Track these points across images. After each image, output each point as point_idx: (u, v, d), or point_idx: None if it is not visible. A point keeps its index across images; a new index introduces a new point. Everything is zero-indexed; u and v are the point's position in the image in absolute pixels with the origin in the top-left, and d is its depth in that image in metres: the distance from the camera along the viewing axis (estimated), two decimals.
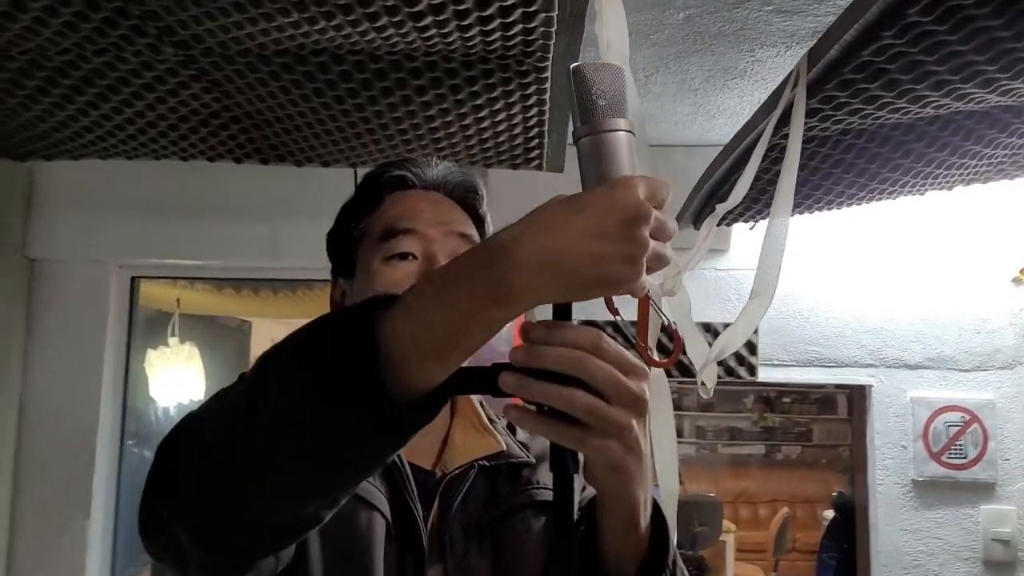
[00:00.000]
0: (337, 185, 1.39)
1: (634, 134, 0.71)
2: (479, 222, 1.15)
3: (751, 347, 2.54)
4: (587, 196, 0.65)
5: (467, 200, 1.14)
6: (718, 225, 2.06)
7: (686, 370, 2.44)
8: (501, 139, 1.84)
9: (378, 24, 1.25)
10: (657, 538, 0.83)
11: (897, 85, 1.13)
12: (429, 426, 1.13)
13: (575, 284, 0.63)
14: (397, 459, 1.05)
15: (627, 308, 0.75)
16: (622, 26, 1.09)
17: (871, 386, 2.58)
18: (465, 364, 0.82)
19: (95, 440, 2.60)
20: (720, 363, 2.53)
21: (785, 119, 1.28)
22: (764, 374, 2.55)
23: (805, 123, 1.33)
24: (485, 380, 0.79)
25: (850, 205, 1.89)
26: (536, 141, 1.87)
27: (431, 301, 0.66)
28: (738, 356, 2.54)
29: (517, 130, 1.80)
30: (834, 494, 4.80)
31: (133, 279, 2.77)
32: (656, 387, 1.02)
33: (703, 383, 1.09)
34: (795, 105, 1.12)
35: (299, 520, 0.74)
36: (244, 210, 2.59)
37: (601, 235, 0.62)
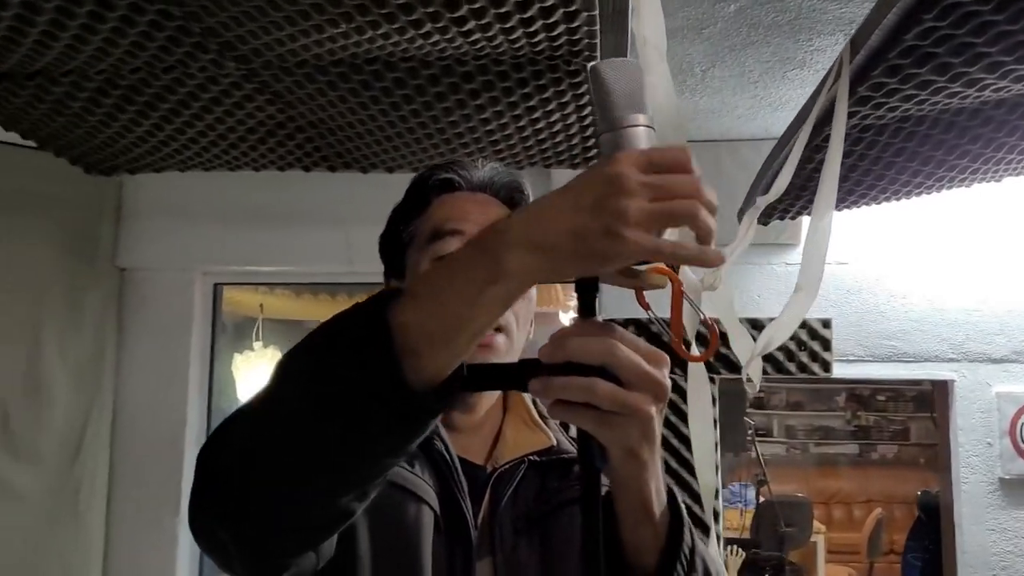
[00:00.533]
0: (403, 190, 1.43)
1: (654, 129, 0.72)
2: None
3: (825, 343, 2.48)
4: (575, 176, 0.66)
5: (513, 200, 1.16)
6: (781, 219, 2.03)
7: (733, 366, 2.40)
8: (558, 139, 1.86)
9: (423, 30, 1.28)
10: (674, 529, 0.84)
11: (949, 68, 1.10)
12: (482, 422, 1.17)
13: (562, 258, 0.65)
14: (446, 453, 1.07)
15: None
16: (659, 22, 1.09)
17: (953, 381, 2.50)
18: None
19: (183, 441, 2.72)
20: (792, 360, 2.49)
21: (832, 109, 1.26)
22: (839, 370, 2.49)
23: (859, 111, 1.31)
24: (513, 376, 0.81)
25: (920, 194, 1.84)
26: (593, 140, 1.88)
27: (436, 288, 0.69)
28: (811, 352, 2.49)
29: (573, 130, 1.81)
30: (919, 493, 4.64)
31: (216, 285, 2.89)
32: (695, 381, 1.02)
33: (749, 378, 1.08)
34: (838, 95, 1.10)
35: (332, 515, 0.77)
36: (318, 217, 2.67)
37: (578, 209, 0.63)
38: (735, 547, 2.96)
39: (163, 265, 2.79)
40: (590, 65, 0.74)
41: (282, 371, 0.74)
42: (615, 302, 2.59)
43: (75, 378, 2.67)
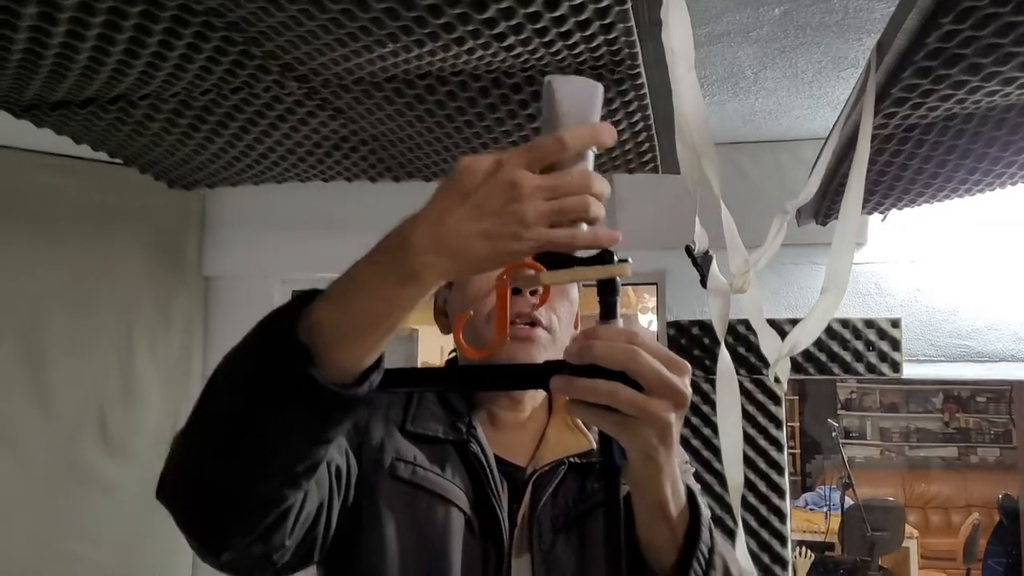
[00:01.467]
0: None
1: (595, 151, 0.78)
2: None
3: (894, 343, 2.44)
4: (468, 178, 0.72)
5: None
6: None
7: (752, 367, 2.39)
8: (611, 146, 1.89)
9: (466, 47, 1.34)
10: (692, 529, 0.87)
11: (980, 69, 1.10)
12: (526, 422, 1.22)
13: (470, 259, 0.72)
14: (482, 456, 1.13)
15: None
16: (686, 33, 1.12)
17: None
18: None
19: None
20: (860, 360, 2.46)
21: (876, 110, 1.27)
22: (909, 371, 2.45)
23: (897, 112, 1.31)
24: (536, 376, 0.87)
25: (980, 190, 1.80)
26: (647, 145, 1.91)
27: (349, 291, 0.75)
28: (880, 353, 2.45)
29: (625, 136, 1.84)
30: (999, 497, 4.48)
31: (294, 292, 3.01)
32: (724, 378, 1.05)
33: (776, 378, 1.10)
34: (865, 96, 1.11)
35: (261, 499, 0.83)
36: (386, 225, 2.74)
37: (484, 214, 0.70)
38: (804, 548, 2.92)
39: (244, 273, 2.94)
40: (546, 78, 0.79)
41: (215, 370, 0.81)
42: (680, 303, 2.60)
43: (165, 380, 2.83)
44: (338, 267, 2.74)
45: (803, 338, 1.06)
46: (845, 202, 1.06)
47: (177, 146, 1.91)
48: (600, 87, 0.79)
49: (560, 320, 1.18)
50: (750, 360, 2.48)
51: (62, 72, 1.45)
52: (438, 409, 1.18)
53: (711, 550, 0.88)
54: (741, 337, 2.44)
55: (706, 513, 0.90)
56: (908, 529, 5.58)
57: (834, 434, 5.88)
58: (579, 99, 0.77)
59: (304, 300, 0.77)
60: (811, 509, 6.12)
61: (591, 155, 0.77)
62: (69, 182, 2.63)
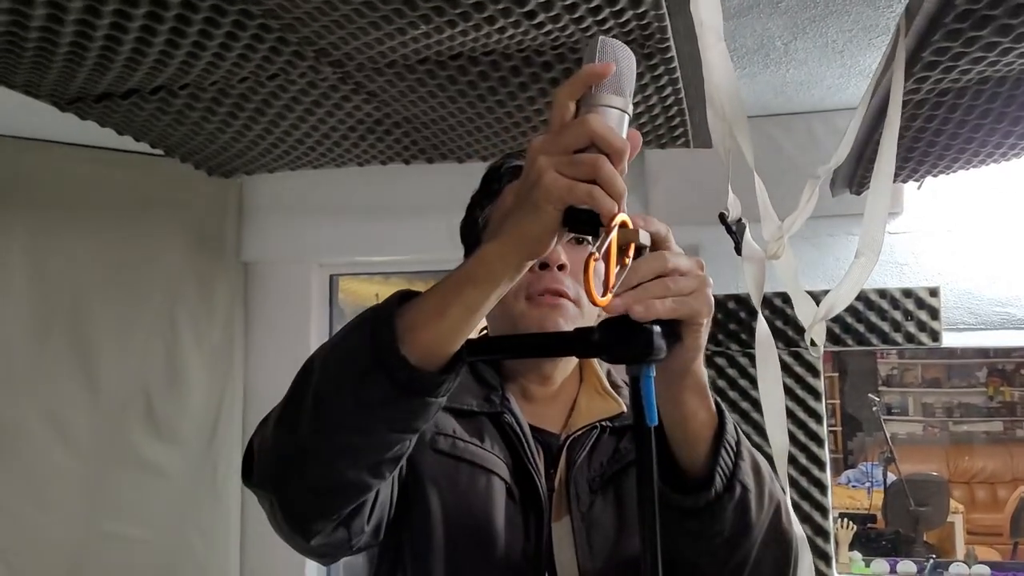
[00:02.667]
0: None
1: (629, 114, 0.79)
2: None
3: (933, 312, 2.43)
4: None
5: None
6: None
7: (789, 340, 2.39)
8: (642, 120, 1.90)
9: (497, 25, 1.36)
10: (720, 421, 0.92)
11: (1011, 30, 1.10)
12: (557, 393, 1.26)
13: (512, 236, 0.78)
14: (516, 426, 1.16)
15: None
16: (715, 2, 1.13)
17: None
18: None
19: None
20: (899, 330, 2.45)
21: (906, 76, 1.27)
22: (949, 339, 2.44)
23: (929, 76, 1.31)
24: (571, 342, 0.89)
25: (1017, 155, 1.79)
26: (678, 120, 1.92)
27: (432, 292, 0.82)
28: (919, 323, 2.45)
29: (656, 110, 1.85)
30: None
31: (332, 276, 3.07)
32: (763, 344, 1.06)
33: (812, 342, 1.11)
34: (895, 62, 1.11)
35: (346, 484, 0.88)
36: (422, 207, 2.79)
37: (517, 194, 0.78)
38: (846, 520, 2.92)
39: (283, 258, 2.99)
40: (598, 39, 0.80)
41: (310, 358, 0.87)
42: (716, 277, 2.60)
43: (209, 365, 2.90)
44: (374, 249, 2.78)
45: (838, 302, 1.07)
46: (878, 166, 1.06)
47: (216, 134, 1.95)
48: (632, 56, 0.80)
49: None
50: (787, 333, 2.48)
51: (106, 64, 1.49)
52: (472, 384, 1.21)
53: (738, 442, 0.92)
54: (778, 310, 2.44)
55: (730, 419, 0.95)
56: (952, 504, 5.53)
57: (875, 409, 5.82)
58: (618, 65, 0.78)
59: (402, 297, 0.84)
60: (853, 486, 6.09)
61: (624, 119, 0.78)
62: (111, 174, 2.70)
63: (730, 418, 0.94)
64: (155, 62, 1.49)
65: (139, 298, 2.78)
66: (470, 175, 2.61)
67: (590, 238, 0.80)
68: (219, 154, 2.13)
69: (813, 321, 1.07)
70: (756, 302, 1.08)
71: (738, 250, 1.11)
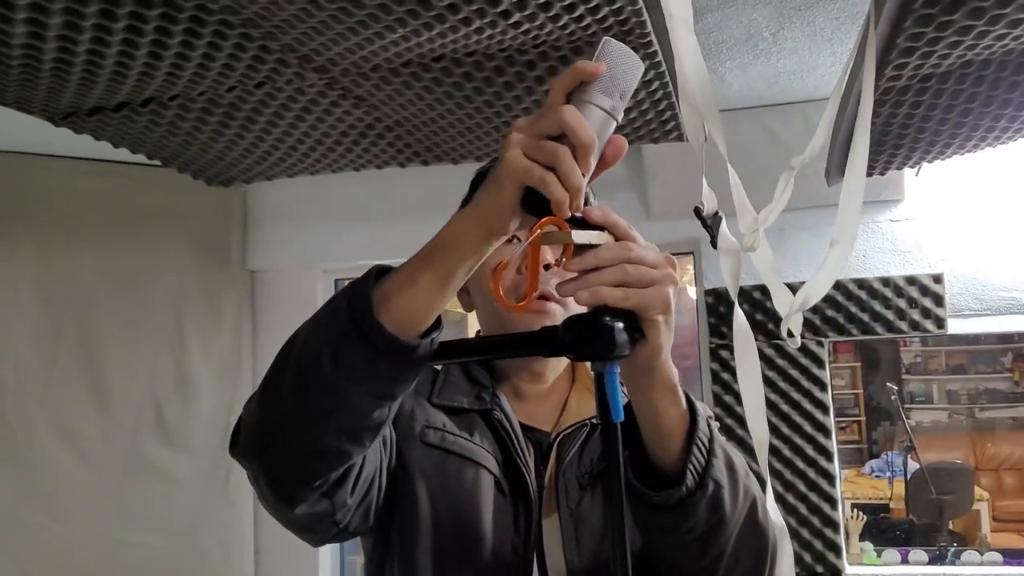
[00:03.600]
0: None
1: (616, 119, 0.80)
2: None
3: (937, 298, 2.41)
4: None
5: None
6: (868, 175, 2.00)
7: (770, 333, 2.37)
8: (633, 115, 1.90)
9: (474, 26, 1.36)
10: (692, 419, 0.92)
11: (983, 13, 1.09)
12: (549, 392, 1.26)
13: (472, 218, 0.82)
14: (506, 421, 1.17)
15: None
16: None
17: None
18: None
19: None
20: (903, 318, 2.43)
21: (884, 63, 1.27)
22: (954, 326, 2.41)
23: (907, 63, 1.31)
24: (541, 341, 0.90)
25: (1011, 138, 1.77)
26: (668, 114, 1.91)
27: (406, 264, 0.85)
28: (924, 310, 2.43)
29: (645, 105, 1.85)
30: None
31: (336, 281, 3.09)
32: (740, 336, 1.06)
33: (790, 333, 1.11)
34: (867, 49, 1.11)
35: (324, 449, 0.90)
36: (424, 210, 2.78)
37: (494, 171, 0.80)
38: (857, 511, 2.91)
39: (287, 265, 3.02)
40: (604, 39, 0.81)
41: (295, 332, 0.90)
42: (718, 271, 2.59)
43: (218, 372, 2.92)
44: (377, 254, 2.78)
45: (815, 292, 1.07)
46: (851, 154, 1.06)
47: (210, 144, 1.97)
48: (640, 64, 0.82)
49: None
50: None
51: (92, 78, 1.51)
52: (463, 383, 1.24)
53: (711, 439, 0.92)
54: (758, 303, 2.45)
55: (704, 411, 0.95)
56: (978, 491, 5.48)
57: (893, 397, 5.79)
58: (617, 68, 0.80)
59: (380, 271, 0.87)
60: (876, 476, 6.04)
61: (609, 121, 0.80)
62: (113, 186, 2.73)
63: (703, 414, 0.94)
64: (140, 74, 1.51)
65: (147, 309, 2.81)
66: (470, 176, 2.63)
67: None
68: (215, 163, 2.15)
69: (790, 312, 1.07)
70: (733, 294, 1.08)
71: (713, 243, 1.11)
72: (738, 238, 1.13)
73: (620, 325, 0.82)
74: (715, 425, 0.96)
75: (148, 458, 2.76)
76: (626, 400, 0.90)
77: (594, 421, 1.19)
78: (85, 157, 2.66)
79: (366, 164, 2.22)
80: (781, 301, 1.09)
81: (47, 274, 2.63)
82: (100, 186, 2.71)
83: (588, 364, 1.26)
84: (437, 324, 0.86)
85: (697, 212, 1.11)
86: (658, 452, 0.92)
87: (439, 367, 1.29)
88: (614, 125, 0.83)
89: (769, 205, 1.08)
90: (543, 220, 0.79)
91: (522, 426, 1.18)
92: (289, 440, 0.89)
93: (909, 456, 5.42)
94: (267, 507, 0.98)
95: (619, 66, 0.81)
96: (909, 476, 5.20)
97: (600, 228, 0.83)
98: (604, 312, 0.82)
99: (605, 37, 0.84)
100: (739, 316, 1.07)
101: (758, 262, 1.11)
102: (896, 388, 6.11)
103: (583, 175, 0.77)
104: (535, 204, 0.78)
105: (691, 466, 0.90)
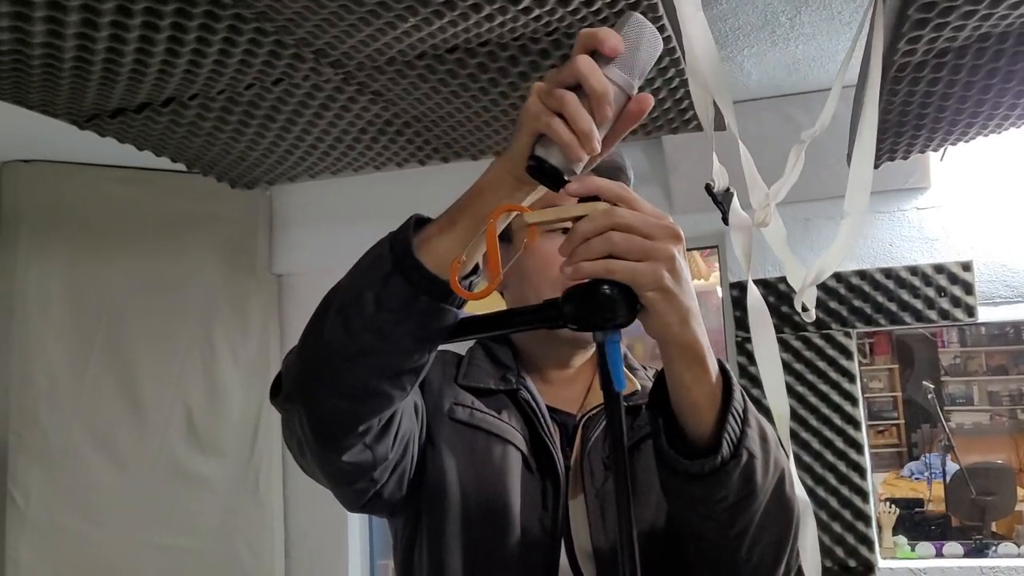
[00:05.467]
0: None
1: (630, 97, 0.80)
2: None
3: (967, 287, 2.37)
4: None
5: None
6: (891, 159, 1.98)
7: (821, 323, 2.33)
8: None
9: (484, 13, 1.37)
10: (727, 389, 0.91)
11: None
12: (575, 377, 1.27)
13: (501, 162, 0.87)
14: (532, 401, 1.17)
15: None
16: None
17: None
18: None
19: None
20: (932, 307, 2.40)
21: (897, 38, 1.26)
22: (985, 314, 2.37)
23: (921, 36, 1.29)
24: (540, 312, 0.90)
25: None
26: (687, 102, 1.90)
27: (445, 211, 0.90)
28: (953, 298, 2.39)
29: (663, 94, 1.84)
30: None
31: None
32: (755, 312, 1.05)
33: (804, 307, 1.10)
34: (875, 19, 1.09)
35: (367, 391, 0.92)
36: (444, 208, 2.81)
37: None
38: (890, 504, 2.86)
39: (313, 268, 3.04)
40: (631, 13, 0.82)
41: (334, 285, 0.95)
42: (738, 265, 2.58)
43: (246, 376, 2.95)
44: None
45: (827, 265, 1.06)
46: (860, 126, 1.05)
47: (231, 144, 1.99)
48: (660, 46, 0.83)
49: None
50: (818, 315, 2.44)
51: (112, 77, 1.54)
52: (488, 365, 1.25)
53: (745, 409, 0.91)
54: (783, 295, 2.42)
55: (737, 384, 0.93)
56: (1021, 492, 5.36)
57: (930, 396, 5.69)
58: (635, 44, 0.82)
59: (418, 219, 0.92)
60: (916, 478, 5.95)
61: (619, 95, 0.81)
62: (141, 193, 2.77)
63: (738, 384, 0.93)
64: (160, 72, 1.53)
65: (176, 314, 2.85)
66: None
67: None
68: (237, 164, 2.17)
69: (803, 285, 1.06)
70: (745, 268, 1.07)
71: (725, 220, 1.10)
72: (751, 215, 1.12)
73: (618, 294, 0.81)
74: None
75: (179, 462, 2.79)
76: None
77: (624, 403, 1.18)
78: (114, 164, 2.70)
79: (386, 162, 2.23)
80: (794, 275, 1.08)
81: (78, 281, 2.67)
82: (128, 193, 2.76)
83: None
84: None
85: (708, 189, 1.11)
86: (689, 423, 0.91)
87: (463, 353, 1.30)
88: (627, 101, 0.83)
89: (780, 180, 1.07)
90: (499, 207, 0.82)
91: (548, 408, 1.19)
92: (334, 379, 0.91)
93: (948, 456, 5.32)
94: (309, 457, 0.99)
95: (633, 39, 0.81)
96: (949, 478, 5.10)
97: (595, 199, 0.83)
98: (603, 281, 0.82)
99: (630, 12, 0.84)
100: (753, 291, 1.06)
101: (770, 237, 1.10)
102: (932, 386, 6.00)
103: (597, 124, 0.78)
104: (538, 168, 0.79)
105: (726, 435, 0.88)
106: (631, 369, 1.27)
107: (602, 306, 0.80)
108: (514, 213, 0.86)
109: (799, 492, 1.04)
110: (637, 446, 1.16)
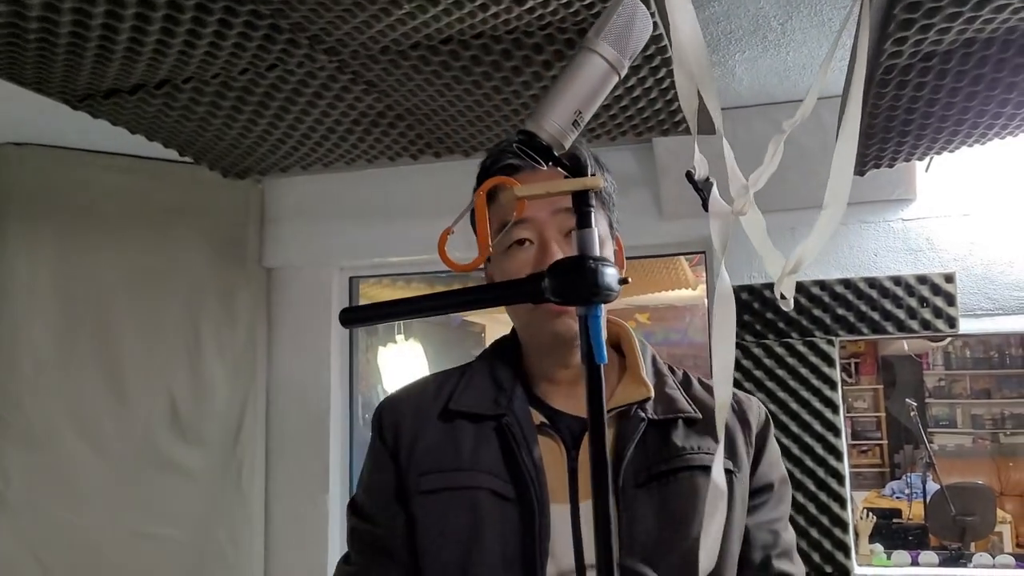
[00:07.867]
0: None
1: (619, 75, 0.82)
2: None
3: (949, 298, 2.40)
4: None
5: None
6: (876, 167, 2.00)
7: (804, 330, 2.35)
8: (641, 105, 1.91)
9: (479, 2, 1.39)
10: None
11: None
12: (580, 376, 1.26)
13: None
14: (519, 428, 1.18)
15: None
16: None
17: None
18: None
19: (328, 422, 2.96)
20: (914, 317, 2.42)
21: (883, 38, 1.28)
22: (966, 326, 2.40)
23: (905, 37, 1.31)
24: (523, 286, 0.92)
25: (1021, 127, 1.77)
26: (677, 103, 1.92)
27: None
28: (935, 309, 2.41)
29: (653, 93, 1.86)
30: None
31: (351, 279, 3.11)
32: (721, 298, 1.07)
33: (782, 296, 1.11)
34: (860, 21, 1.11)
35: None
36: (440, 208, 2.80)
37: None
38: (868, 513, 2.87)
39: (303, 263, 3.05)
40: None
41: None
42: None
43: (232, 369, 2.95)
44: (393, 251, 2.81)
45: (806, 254, 1.07)
46: (844, 115, 1.07)
47: (224, 130, 2.00)
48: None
49: None
50: (802, 323, 2.46)
51: (107, 56, 1.55)
52: (487, 384, 1.25)
53: None
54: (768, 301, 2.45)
55: None
56: (1000, 514, 5.38)
57: (912, 413, 5.71)
58: (630, 25, 0.84)
59: None
60: (897, 497, 5.97)
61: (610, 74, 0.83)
62: (132, 181, 2.77)
63: None
64: (154, 52, 1.54)
65: (164, 304, 2.85)
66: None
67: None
68: (230, 152, 2.19)
69: (782, 274, 1.07)
70: (720, 256, 1.08)
71: (705, 207, 1.11)
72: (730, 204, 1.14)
73: (606, 269, 0.83)
74: None
75: (162, 451, 2.79)
76: None
77: (621, 408, 1.20)
78: (104, 151, 2.71)
79: (378, 155, 2.24)
80: (773, 265, 1.09)
81: (66, 267, 2.67)
82: (119, 181, 2.76)
83: (637, 351, 1.28)
84: None
85: (689, 176, 1.12)
86: None
87: (464, 371, 1.31)
88: (616, 80, 0.85)
89: (759, 168, 1.09)
90: (489, 180, 0.83)
91: (554, 412, 1.21)
92: None
93: (929, 475, 5.34)
94: None
95: (626, 19, 0.83)
96: (929, 497, 5.12)
97: (583, 173, 0.85)
98: (589, 256, 0.83)
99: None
100: (723, 278, 1.07)
101: (748, 226, 1.11)
102: (915, 404, 6.03)
103: None
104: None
105: None
106: (659, 374, 1.28)
107: (592, 281, 0.81)
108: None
109: (717, 479, 1.02)
110: (677, 472, 1.16)
